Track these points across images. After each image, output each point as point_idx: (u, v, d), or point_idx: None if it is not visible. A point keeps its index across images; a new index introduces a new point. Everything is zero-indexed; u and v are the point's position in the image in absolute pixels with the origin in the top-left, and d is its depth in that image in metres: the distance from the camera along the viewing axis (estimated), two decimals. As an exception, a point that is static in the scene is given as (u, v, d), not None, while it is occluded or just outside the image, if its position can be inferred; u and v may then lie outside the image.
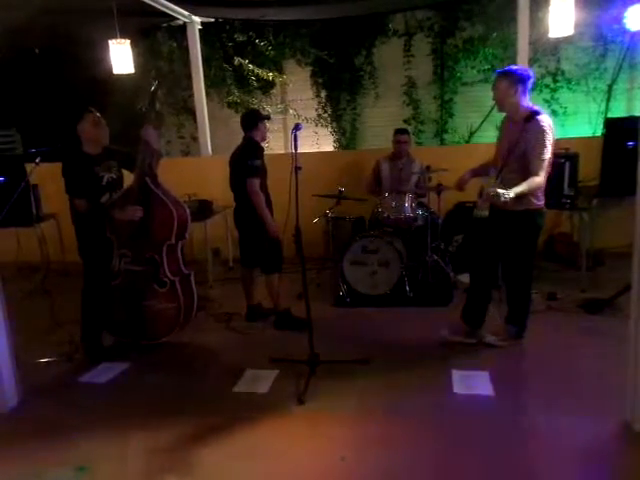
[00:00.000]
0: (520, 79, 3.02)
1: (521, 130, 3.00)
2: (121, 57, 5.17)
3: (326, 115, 7.59)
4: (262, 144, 3.99)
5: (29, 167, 4.07)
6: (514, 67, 3.17)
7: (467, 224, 5.01)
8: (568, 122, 6.67)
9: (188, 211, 3.66)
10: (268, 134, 7.57)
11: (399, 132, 5.06)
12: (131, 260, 3.53)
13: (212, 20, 6.57)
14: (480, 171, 3.48)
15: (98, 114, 3.46)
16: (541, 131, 2.95)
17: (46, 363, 3.58)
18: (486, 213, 3.23)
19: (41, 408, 3.04)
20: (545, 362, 3.25)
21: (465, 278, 4.80)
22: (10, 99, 7.23)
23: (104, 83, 6.42)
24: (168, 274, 3.53)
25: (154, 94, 3.61)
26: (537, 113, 3.02)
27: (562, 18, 4.32)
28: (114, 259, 3.54)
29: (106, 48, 5.24)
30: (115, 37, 5.11)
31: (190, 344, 3.83)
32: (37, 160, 3.63)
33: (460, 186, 3.48)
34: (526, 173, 2.98)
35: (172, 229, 3.46)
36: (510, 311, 3.42)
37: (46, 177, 3.43)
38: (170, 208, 3.46)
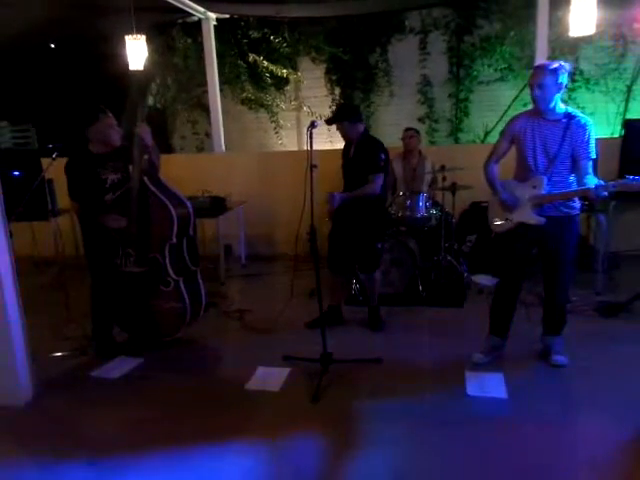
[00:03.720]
0: (565, 74, 2.90)
1: (564, 129, 2.91)
2: (137, 53, 5.18)
3: (340, 113, 7.56)
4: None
5: (45, 162, 4.10)
6: (555, 63, 2.94)
7: (482, 224, 4.96)
8: (586, 122, 6.58)
9: (191, 208, 3.60)
10: (281, 131, 7.66)
11: (407, 130, 5.12)
12: (135, 260, 3.52)
13: (227, 16, 6.56)
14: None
15: (111, 115, 3.41)
16: (588, 130, 2.89)
17: (60, 357, 3.61)
18: (544, 220, 3.00)
19: (55, 402, 3.05)
20: (560, 366, 3.21)
21: (479, 279, 4.78)
22: (26, 94, 7.28)
23: (119, 78, 6.44)
24: (171, 274, 3.51)
25: (146, 90, 3.58)
26: (573, 111, 2.96)
27: (583, 17, 4.25)
28: (119, 258, 3.54)
29: (122, 43, 5.25)
30: (131, 33, 5.12)
31: (202, 341, 3.84)
32: (54, 155, 3.64)
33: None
34: (574, 172, 2.95)
35: (172, 229, 3.42)
36: (554, 322, 3.26)
37: (61, 172, 3.44)
38: (169, 208, 3.39)
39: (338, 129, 3.76)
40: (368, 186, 3.60)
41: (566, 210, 3.01)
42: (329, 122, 3.73)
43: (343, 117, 3.68)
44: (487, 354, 3.28)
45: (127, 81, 6.43)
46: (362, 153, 3.65)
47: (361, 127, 3.72)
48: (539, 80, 2.87)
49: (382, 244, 3.93)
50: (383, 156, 3.64)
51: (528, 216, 3.04)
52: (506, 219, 3.17)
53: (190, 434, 2.67)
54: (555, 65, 2.88)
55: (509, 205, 3.12)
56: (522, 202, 3.06)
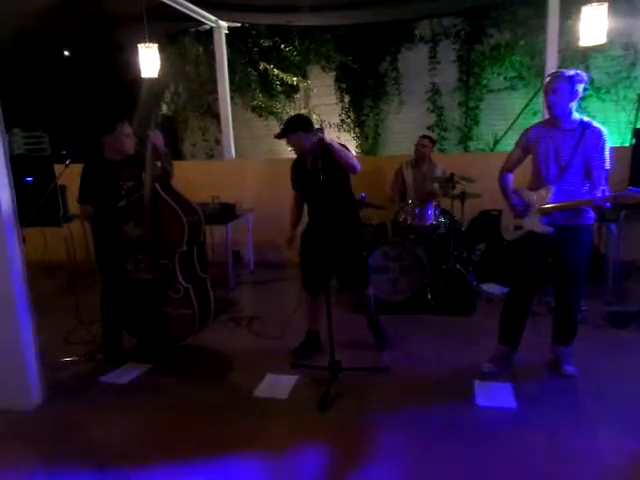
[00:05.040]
0: (581, 83, 2.87)
1: (578, 138, 2.90)
2: (149, 61, 5.24)
3: (349, 120, 7.60)
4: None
5: (58, 168, 4.14)
6: (572, 71, 2.91)
7: (492, 232, 4.95)
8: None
9: (202, 215, 3.63)
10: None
11: (423, 137, 5.14)
12: (145, 266, 3.54)
13: (238, 25, 6.63)
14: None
15: (128, 124, 3.43)
16: (603, 140, 2.87)
17: (70, 362, 3.63)
18: (551, 229, 2.98)
19: (64, 407, 3.07)
20: (570, 376, 3.18)
21: (488, 287, 4.76)
22: (39, 101, 7.38)
23: (132, 86, 6.51)
24: (182, 281, 3.52)
25: (159, 98, 3.61)
26: (588, 121, 2.94)
27: (594, 26, 4.24)
28: (130, 264, 3.56)
29: (134, 52, 5.32)
30: (144, 41, 5.19)
31: (211, 347, 3.85)
32: (67, 162, 3.68)
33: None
34: (585, 183, 2.93)
35: (183, 237, 3.44)
36: (565, 332, 3.22)
37: (73, 178, 3.47)
38: (180, 216, 3.41)
39: (290, 143, 3.38)
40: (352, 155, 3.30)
41: (578, 219, 2.99)
42: (280, 135, 3.37)
43: (298, 127, 3.32)
44: (496, 364, 3.26)
45: (140, 89, 6.50)
46: (325, 158, 3.17)
47: (311, 137, 3.28)
48: (554, 85, 2.86)
49: (367, 254, 3.74)
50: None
51: (536, 225, 3.04)
52: (516, 227, 3.16)
53: (199, 441, 2.68)
54: (571, 73, 2.87)
55: (519, 212, 3.12)
56: (532, 210, 3.06)
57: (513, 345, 3.29)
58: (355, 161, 3.27)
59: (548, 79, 2.97)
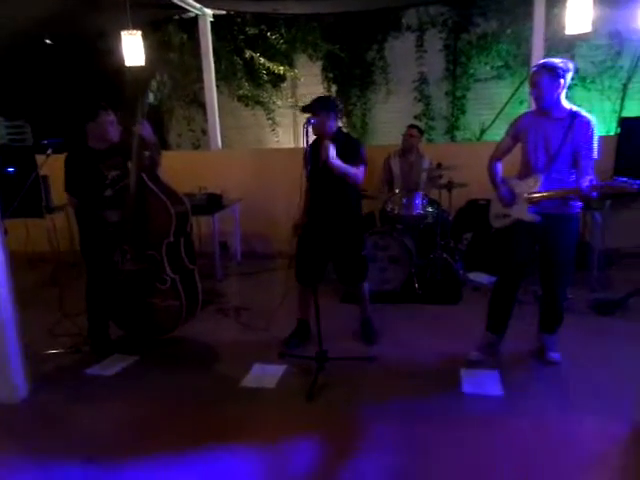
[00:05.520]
0: (567, 72, 2.87)
1: (567, 127, 2.91)
2: (133, 48, 5.15)
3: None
4: None
5: (40, 158, 4.07)
6: (557, 60, 2.91)
7: (478, 222, 4.98)
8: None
9: (189, 205, 3.59)
10: (278, 128, 7.65)
11: (411, 127, 5.11)
12: (132, 257, 3.51)
13: (224, 13, 6.54)
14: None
15: (111, 112, 3.40)
16: (592, 130, 2.88)
17: (55, 354, 3.59)
18: (539, 217, 3.00)
19: (50, 400, 3.04)
20: (555, 363, 3.21)
21: (475, 277, 4.79)
22: (21, 90, 7.24)
23: (115, 74, 6.40)
24: (169, 272, 3.49)
25: (147, 87, 3.57)
26: (578, 111, 2.95)
27: (579, 15, 4.24)
28: (116, 254, 3.53)
29: (117, 39, 5.22)
30: (127, 28, 5.09)
31: (198, 338, 3.83)
32: (48, 151, 3.62)
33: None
34: (573, 172, 2.94)
35: (170, 227, 3.40)
36: (551, 320, 3.26)
37: (56, 168, 3.42)
38: (167, 206, 3.37)
39: (314, 121, 3.20)
40: (354, 169, 3.27)
41: (566, 208, 3.01)
42: (308, 109, 3.29)
43: (330, 108, 3.33)
44: (484, 351, 3.28)
45: (124, 77, 6.40)
46: (340, 148, 3.22)
47: (337, 123, 3.39)
48: (535, 79, 2.88)
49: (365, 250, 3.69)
50: (364, 151, 3.40)
51: (523, 213, 3.05)
52: (504, 215, 3.17)
53: (186, 432, 2.66)
54: (553, 63, 2.87)
55: (507, 201, 3.13)
56: (519, 199, 3.07)
57: (500, 333, 3.31)
58: (356, 176, 3.29)
59: (532, 71, 2.97)
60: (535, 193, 2.98)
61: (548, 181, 2.97)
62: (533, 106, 3.13)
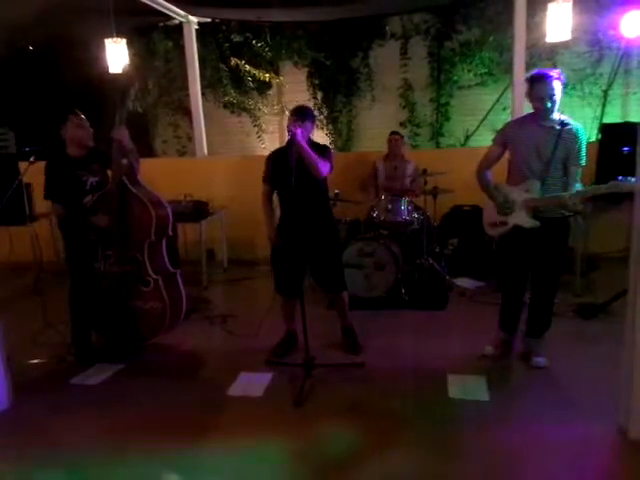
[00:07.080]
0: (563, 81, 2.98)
1: (557, 135, 2.96)
2: (117, 56, 5.14)
3: (322, 117, 7.57)
4: None
5: (23, 166, 4.03)
6: (554, 71, 2.99)
7: (463, 227, 5.03)
8: (563, 127, 6.69)
9: (169, 209, 3.62)
10: (264, 135, 7.65)
11: (393, 133, 5.29)
12: (114, 260, 3.51)
13: (209, 20, 6.55)
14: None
15: (82, 115, 3.43)
16: (580, 138, 2.98)
17: (38, 364, 3.54)
18: (538, 223, 3.02)
19: (33, 410, 3.00)
20: (540, 368, 3.24)
21: (461, 282, 4.82)
22: (4, 97, 7.16)
23: (99, 82, 6.37)
24: (150, 272, 3.50)
25: (126, 94, 3.59)
26: (566, 119, 3.03)
27: (559, 23, 4.33)
28: (99, 262, 3.53)
29: (102, 47, 5.21)
30: (111, 36, 5.08)
31: (184, 346, 3.81)
32: (31, 159, 3.60)
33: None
34: (565, 178, 3.01)
35: (151, 228, 3.44)
36: (539, 325, 3.28)
37: (39, 176, 3.40)
38: (148, 207, 3.43)
39: (294, 127, 3.22)
40: (320, 159, 3.20)
41: (562, 212, 3.06)
42: (298, 112, 3.36)
43: (310, 117, 3.41)
44: (497, 347, 3.37)
45: (107, 84, 6.36)
46: (310, 147, 3.21)
47: (311, 130, 3.41)
48: (551, 92, 2.90)
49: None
50: (332, 155, 3.36)
51: (523, 219, 3.07)
52: (501, 223, 3.19)
53: (171, 441, 2.63)
54: (560, 73, 2.96)
55: (504, 209, 3.14)
56: (517, 206, 3.10)
57: (512, 332, 3.39)
58: (321, 165, 3.19)
59: (538, 84, 2.95)
60: (533, 199, 3.02)
61: (544, 187, 3.01)
62: (518, 113, 3.18)
